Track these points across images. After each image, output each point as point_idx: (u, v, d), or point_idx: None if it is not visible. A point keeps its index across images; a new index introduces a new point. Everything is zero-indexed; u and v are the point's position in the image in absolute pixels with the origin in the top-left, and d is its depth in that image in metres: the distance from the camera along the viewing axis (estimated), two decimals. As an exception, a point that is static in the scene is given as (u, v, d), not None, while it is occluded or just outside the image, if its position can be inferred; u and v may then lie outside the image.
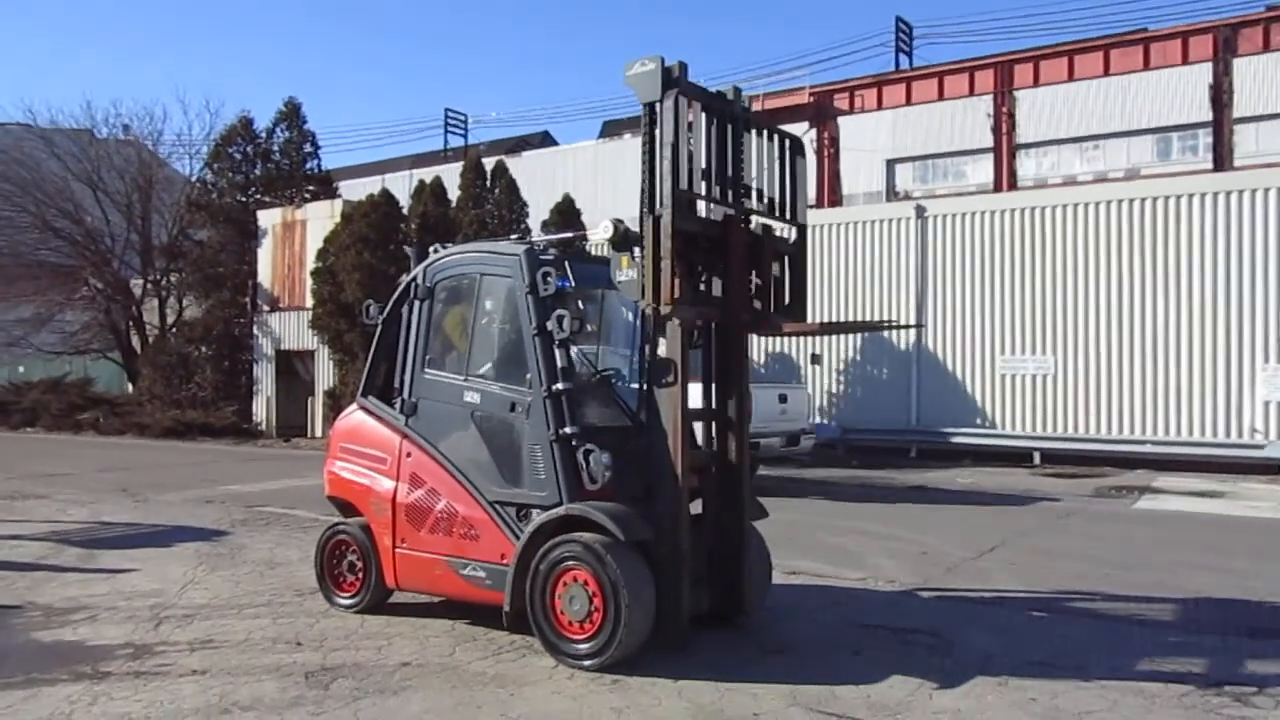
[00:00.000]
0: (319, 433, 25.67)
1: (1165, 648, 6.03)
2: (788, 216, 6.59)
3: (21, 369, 37.25)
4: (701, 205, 6.20)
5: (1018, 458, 19.02)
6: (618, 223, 5.90)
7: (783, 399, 15.54)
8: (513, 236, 7.81)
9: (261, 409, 27.79)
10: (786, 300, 6.56)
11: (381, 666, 5.66)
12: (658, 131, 5.69)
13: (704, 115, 6.05)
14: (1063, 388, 19.27)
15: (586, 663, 5.50)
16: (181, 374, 29.10)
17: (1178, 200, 18.62)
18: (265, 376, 27.92)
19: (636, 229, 5.89)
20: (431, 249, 6.82)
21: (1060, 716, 4.82)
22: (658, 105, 5.72)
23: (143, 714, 4.89)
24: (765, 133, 6.48)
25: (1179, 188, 19.18)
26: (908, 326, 6.39)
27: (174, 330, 31.99)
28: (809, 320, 6.77)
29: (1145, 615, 6.87)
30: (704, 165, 5.97)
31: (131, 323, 33.31)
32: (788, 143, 6.60)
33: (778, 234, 6.65)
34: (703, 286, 6.23)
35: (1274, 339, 17.37)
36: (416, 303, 6.64)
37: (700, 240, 6.06)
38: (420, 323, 6.62)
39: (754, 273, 6.35)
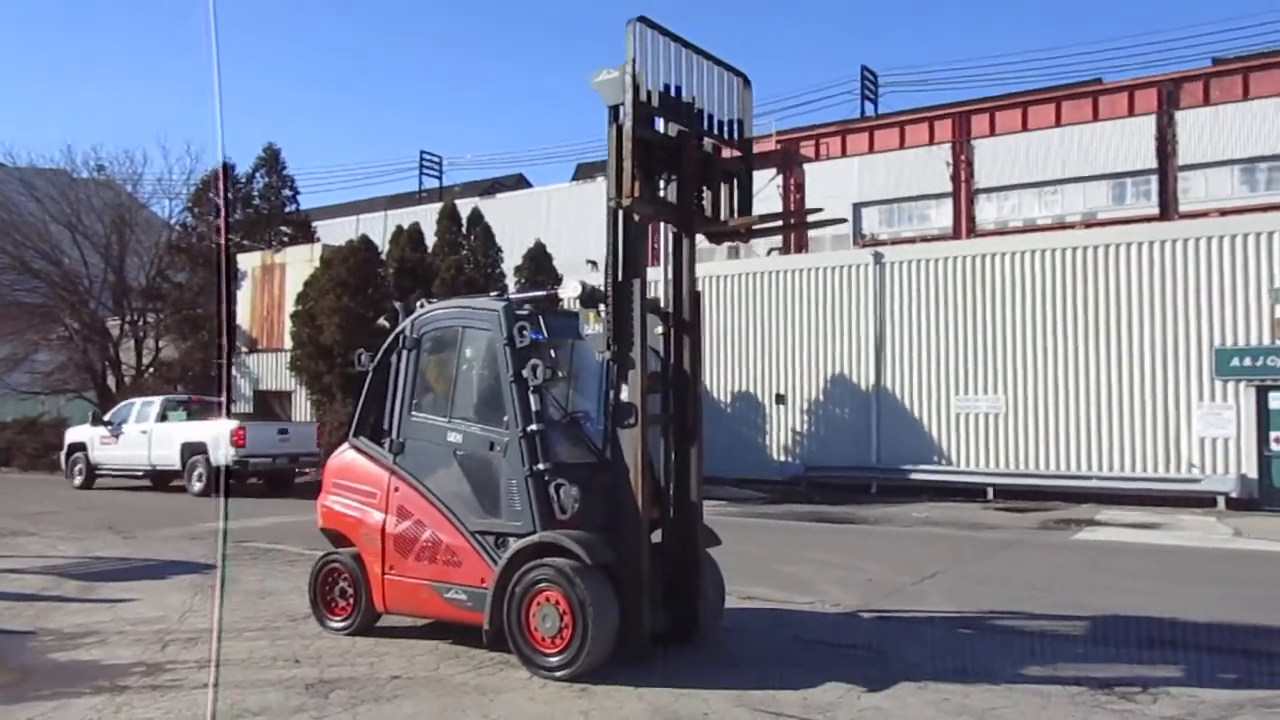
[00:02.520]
0: (296, 472, 26.13)
1: (1068, 657, 6.83)
2: (736, 139, 7.36)
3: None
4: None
5: (973, 493, 19.89)
6: (585, 283, 6.72)
7: (284, 432, 21.88)
8: (492, 294, 8.58)
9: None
10: (735, 214, 7.29)
11: (374, 679, 6.33)
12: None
13: (668, 46, 6.81)
14: (1014, 426, 20.23)
15: (558, 673, 6.20)
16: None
17: (1121, 248, 19.74)
18: (242, 417, 28.33)
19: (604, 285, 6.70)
20: (418, 304, 7.60)
21: (967, 712, 5.58)
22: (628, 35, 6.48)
23: (165, 719, 5.54)
24: (718, 65, 7.27)
25: (1122, 236, 20.33)
26: (836, 221, 7.11)
27: (151, 371, 32.40)
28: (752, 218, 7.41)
29: (1056, 630, 7.68)
30: (661, 89, 6.75)
31: (108, 363, 33.66)
32: (738, 78, 7.40)
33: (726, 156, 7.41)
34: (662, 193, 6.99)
35: (1209, 379, 18.41)
36: (404, 352, 7.41)
37: (658, 149, 6.84)
38: (408, 370, 7.37)
39: (705, 186, 7.11)
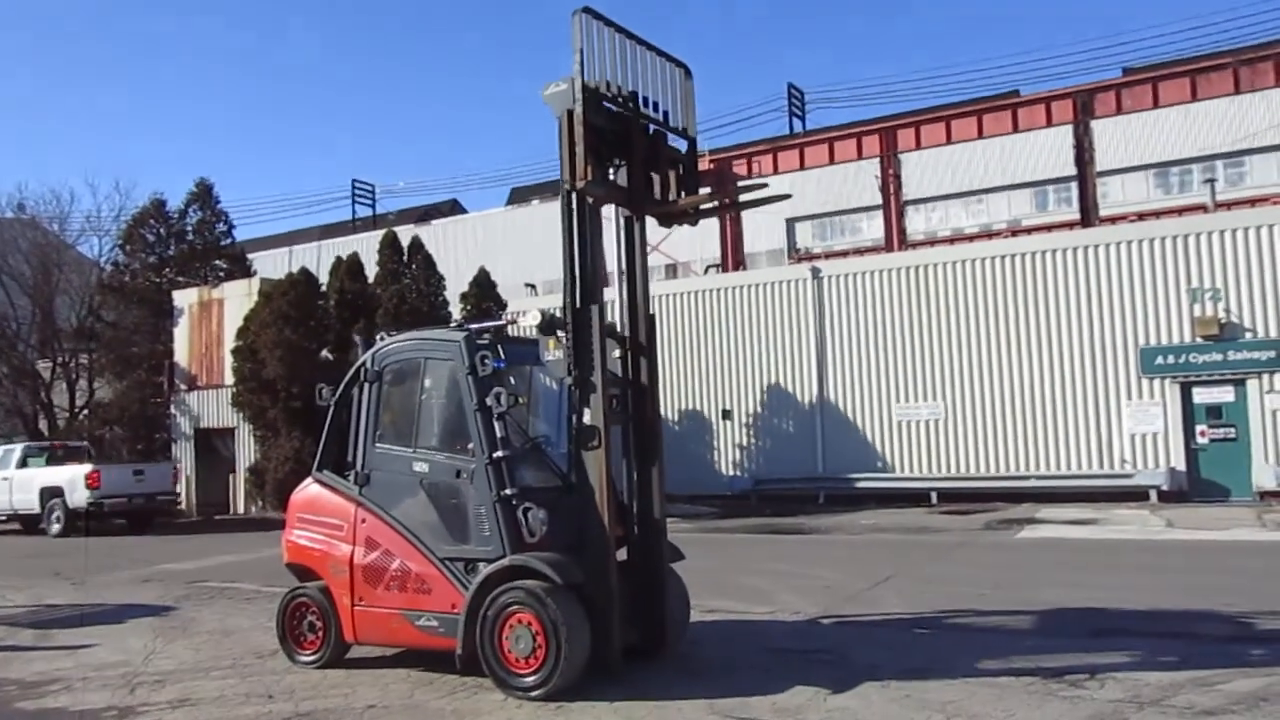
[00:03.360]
0: (241, 510, 25.84)
1: (1020, 650, 7.16)
2: (680, 126, 7.64)
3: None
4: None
5: (917, 498, 20.40)
6: (544, 311, 6.92)
7: (139, 473, 22.92)
8: (452, 325, 8.72)
9: (181, 488, 27.72)
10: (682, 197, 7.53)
11: (350, 709, 6.40)
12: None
13: (613, 37, 7.06)
14: (954, 431, 20.82)
15: (533, 693, 6.34)
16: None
17: (1047, 255, 20.51)
18: (184, 456, 27.92)
19: (557, 310, 6.90)
20: (378, 337, 7.71)
21: (929, 706, 5.85)
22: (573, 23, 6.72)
23: (146, 760, 5.56)
24: (660, 56, 7.56)
25: (1048, 243, 21.12)
26: (781, 198, 7.40)
27: (85, 412, 31.72)
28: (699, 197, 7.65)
29: (1007, 625, 8.04)
30: (608, 78, 7.03)
31: (39, 406, 32.89)
32: (680, 69, 7.70)
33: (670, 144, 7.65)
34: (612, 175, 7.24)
35: (1136, 378, 19.17)
36: (366, 385, 7.50)
37: (607, 135, 7.09)
38: (370, 402, 7.47)
39: (652, 172, 7.36)
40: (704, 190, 7.96)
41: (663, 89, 7.54)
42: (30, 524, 22.97)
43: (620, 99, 7.16)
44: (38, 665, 8.18)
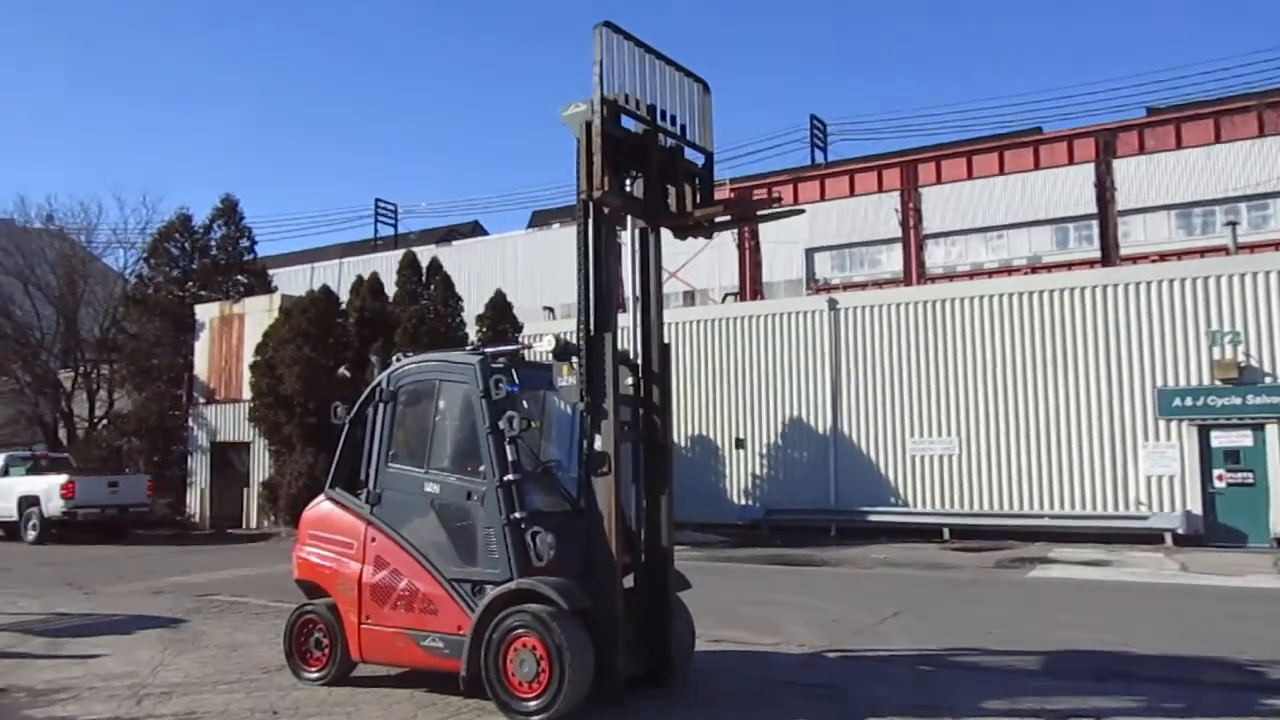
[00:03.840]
0: (254, 524, 25.93)
1: (1026, 690, 7.12)
2: (697, 141, 7.70)
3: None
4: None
5: (930, 533, 20.25)
6: (558, 337, 6.98)
7: (113, 484, 23.61)
8: (466, 347, 8.80)
9: (195, 501, 27.91)
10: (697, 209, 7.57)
11: (354, 728, 6.43)
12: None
13: (633, 51, 7.16)
14: (968, 467, 20.71)
15: (535, 718, 6.34)
16: (113, 467, 29.07)
17: (1067, 293, 20.43)
18: (200, 468, 28.08)
19: (572, 335, 6.97)
20: (395, 357, 7.80)
21: (931, 745, 5.83)
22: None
23: (149, 772, 5.60)
24: (679, 71, 7.63)
25: (1068, 281, 21.05)
26: (796, 211, 7.48)
27: (104, 423, 31.97)
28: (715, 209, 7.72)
29: (1014, 665, 7.99)
30: (627, 90, 7.10)
31: (60, 415, 33.17)
32: (698, 84, 7.77)
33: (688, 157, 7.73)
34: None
35: (1153, 419, 19.04)
36: (381, 405, 7.58)
37: (625, 147, 7.17)
38: (384, 422, 7.54)
39: (668, 184, 7.42)
40: (722, 220, 7.99)
41: (681, 103, 7.63)
42: (12, 531, 23.70)
43: (639, 112, 7.25)
44: (47, 674, 8.25)
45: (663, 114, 7.43)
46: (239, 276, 32.26)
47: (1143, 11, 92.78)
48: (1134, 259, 26.50)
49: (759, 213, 8.38)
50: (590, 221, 6.94)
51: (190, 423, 28.56)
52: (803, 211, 10.12)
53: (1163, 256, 25.61)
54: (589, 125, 6.83)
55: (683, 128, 7.61)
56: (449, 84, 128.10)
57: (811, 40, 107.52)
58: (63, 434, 33.17)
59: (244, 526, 26.13)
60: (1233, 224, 23.14)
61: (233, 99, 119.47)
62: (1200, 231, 27.35)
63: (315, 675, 7.68)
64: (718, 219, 7.83)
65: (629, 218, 7.64)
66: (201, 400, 28.30)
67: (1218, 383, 18.61)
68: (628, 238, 7.48)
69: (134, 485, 24.49)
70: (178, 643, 9.62)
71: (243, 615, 11.39)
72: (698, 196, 7.59)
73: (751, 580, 14.33)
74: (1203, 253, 25.31)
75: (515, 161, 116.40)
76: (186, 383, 29.17)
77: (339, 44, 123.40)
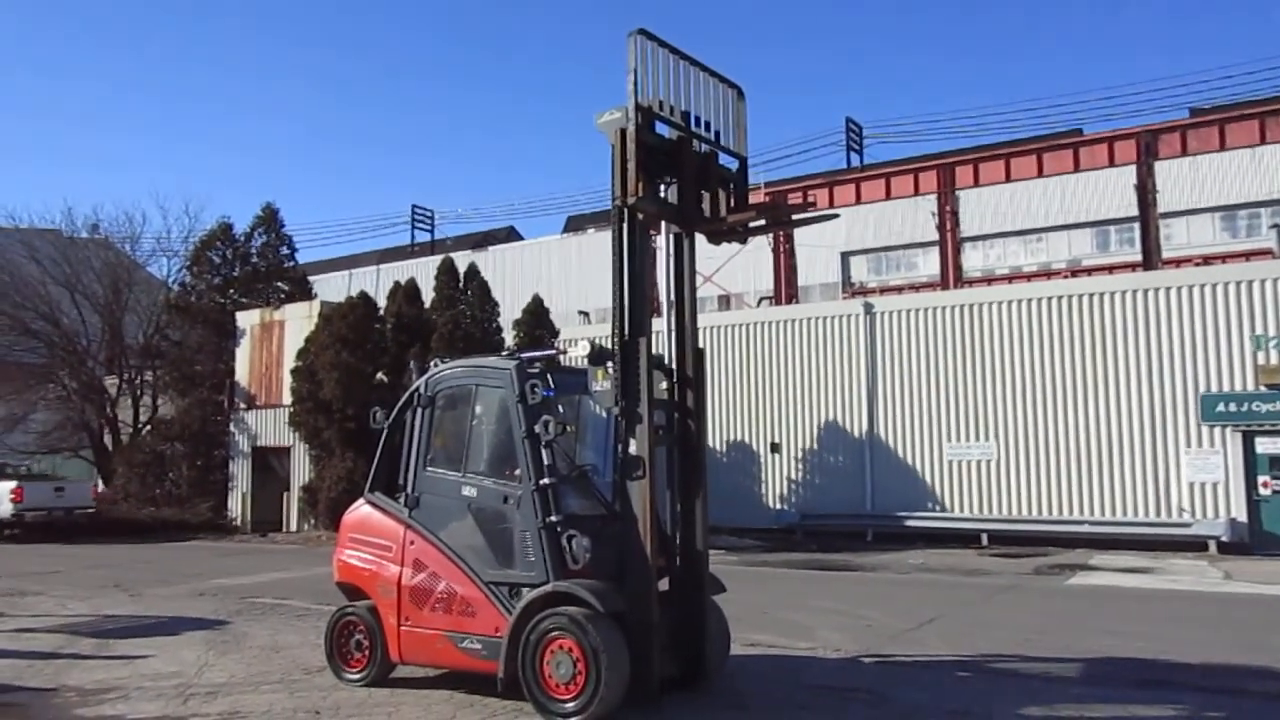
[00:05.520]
0: (294, 528, 26.27)
1: (1063, 697, 7.07)
2: (731, 147, 7.74)
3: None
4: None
5: (967, 539, 20.08)
6: (593, 342, 7.05)
7: (59, 489, 25.84)
8: (502, 353, 8.90)
9: (236, 505, 28.31)
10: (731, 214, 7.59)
11: (393, 728, 6.53)
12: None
13: (667, 58, 7.23)
14: (1006, 472, 20.52)
15: (572, 719, 6.41)
16: (156, 471, 29.58)
17: (1107, 296, 20.18)
18: (241, 473, 28.51)
19: (607, 340, 7.03)
20: (432, 362, 7.92)
21: (967, 750, 5.82)
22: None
23: (196, 768, 5.73)
24: (714, 77, 7.67)
25: (1108, 285, 20.80)
26: (829, 216, 7.47)
27: (148, 428, 32.52)
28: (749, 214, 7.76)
29: (1052, 672, 7.94)
30: (661, 97, 7.15)
31: (105, 421, 33.78)
32: (733, 90, 7.81)
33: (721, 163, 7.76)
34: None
35: (1195, 424, 18.76)
36: (419, 410, 7.70)
37: (659, 153, 7.23)
38: (422, 427, 7.65)
39: (702, 190, 7.47)
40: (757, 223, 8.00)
41: (715, 109, 7.67)
42: None
43: (673, 118, 7.30)
44: (97, 674, 8.45)
45: (697, 120, 7.48)
46: (279, 283, 32.72)
47: (1186, 11, 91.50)
48: (1176, 262, 26.12)
49: (794, 217, 8.40)
50: (625, 227, 7.00)
51: (232, 428, 28.99)
52: (837, 216, 10.14)
53: (1206, 259, 25.23)
54: (624, 132, 6.88)
55: (717, 133, 7.66)
56: (484, 91, 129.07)
57: (847, 42, 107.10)
58: (108, 439, 33.77)
59: (284, 530, 26.48)
60: (1278, 226, 22.73)
61: (274, 109, 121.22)
62: (1245, 234, 26.88)
63: (356, 676, 7.80)
64: (752, 224, 7.86)
65: (663, 222, 7.68)
66: (243, 405, 28.72)
67: (1262, 388, 18.29)
68: (662, 242, 7.53)
69: (79, 490, 26.96)
70: (222, 644, 9.80)
71: (285, 617, 11.57)
72: (732, 201, 7.63)
73: (786, 585, 14.31)
74: (1247, 256, 24.88)
75: (551, 167, 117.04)
76: (228, 388, 29.61)
77: (375, 54, 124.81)
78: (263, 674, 8.32)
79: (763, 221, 8.04)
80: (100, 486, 30.52)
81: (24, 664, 8.85)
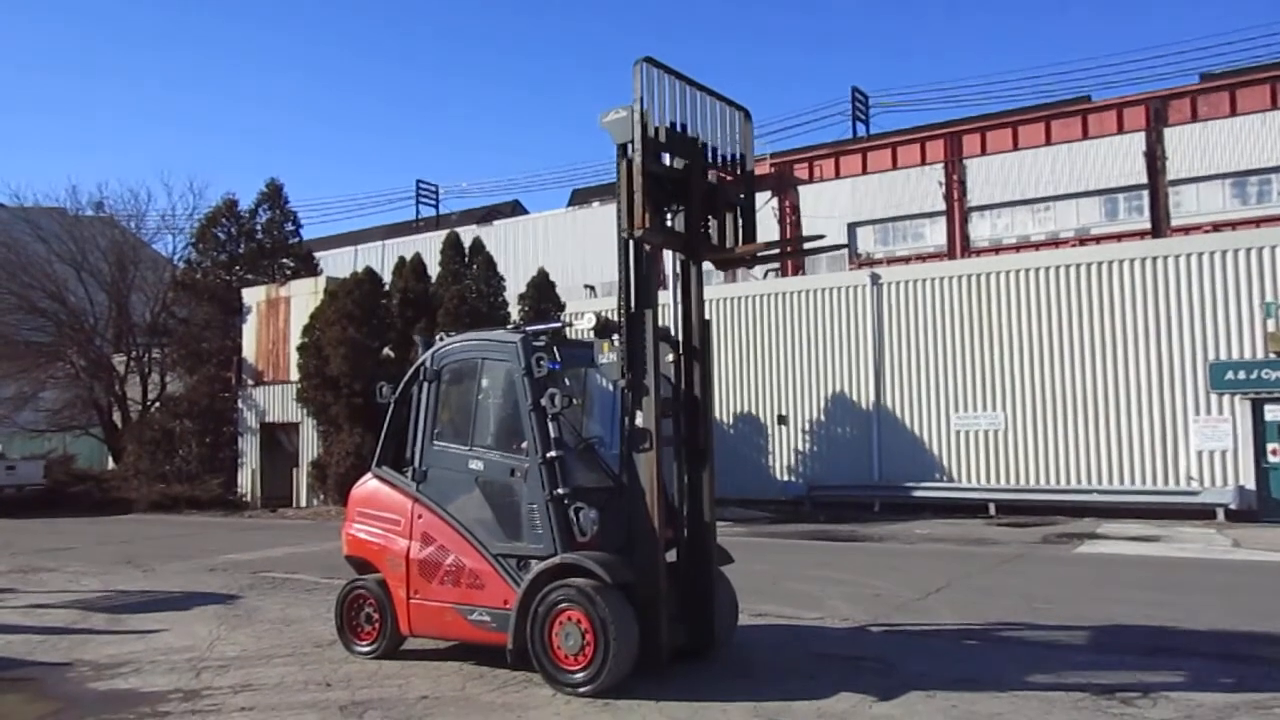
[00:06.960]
0: (303, 503, 26.42)
1: (1072, 665, 7.09)
2: (739, 172, 7.71)
3: (0, 447, 37.63)
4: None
5: (975, 509, 20.12)
6: (599, 314, 7.04)
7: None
8: (508, 326, 8.89)
9: (246, 481, 28.47)
10: (740, 243, 7.59)
11: (404, 700, 6.58)
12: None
13: (673, 84, 7.16)
14: (1014, 442, 20.52)
15: (581, 690, 6.45)
16: (166, 448, 29.71)
17: (1115, 265, 20.09)
18: (250, 449, 28.64)
19: (613, 313, 7.02)
20: (438, 337, 7.91)
21: (975, 717, 5.85)
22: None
23: (208, 741, 5.78)
24: (720, 100, 7.63)
25: (1116, 253, 20.70)
26: (838, 247, 7.55)
27: (156, 405, 32.65)
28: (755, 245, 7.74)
29: (1060, 640, 7.95)
30: (667, 125, 7.10)
31: (114, 399, 33.92)
32: (739, 112, 7.76)
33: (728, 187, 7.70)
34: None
35: (1204, 392, 18.71)
36: (425, 384, 7.69)
37: (666, 183, 7.20)
38: (429, 401, 7.65)
39: (710, 216, 7.45)
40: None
41: (722, 132, 7.59)
42: None
43: (679, 145, 7.23)
44: (110, 648, 8.51)
45: (704, 147, 7.41)
46: (284, 260, 32.72)
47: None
48: (1186, 230, 25.97)
49: (805, 247, 8.38)
50: (631, 255, 6.96)
51: (240, 404, 29.11)
52: (845, 248, 10.08)
53: (1216, 227, 25.07)
54: (630, 164, 6.82)
55: (723, 158, 7.59)
56: (487, 65, 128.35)
57: (852, 10, 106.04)
58: (117, 417, 33.93)
59: (294, 505, 26.64)
60: (1289, 192, 22.56)
61: (276, 84, 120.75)
62: (1255, 201, 26.70)
63: (366, 649, 7.85)
64: (760, 253, 7.81)
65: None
66: (250, 382, 28.81)
67: (1272, 355, 18.22)
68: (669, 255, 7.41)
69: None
70: (233, 618, 9.87)
71: (295, 591, 11.64)
72: (740, 227, 7.58)
73: (794, 555, 14.35)
74: (1258, 223, 24.74)
75: (554, 141, 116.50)
76: (235, 365, 29.70)
77: (377, 25, 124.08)
78: (274, 647, 8.38)
79: (773, 251, 7.99)
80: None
81: (37, 639, 8.92)
